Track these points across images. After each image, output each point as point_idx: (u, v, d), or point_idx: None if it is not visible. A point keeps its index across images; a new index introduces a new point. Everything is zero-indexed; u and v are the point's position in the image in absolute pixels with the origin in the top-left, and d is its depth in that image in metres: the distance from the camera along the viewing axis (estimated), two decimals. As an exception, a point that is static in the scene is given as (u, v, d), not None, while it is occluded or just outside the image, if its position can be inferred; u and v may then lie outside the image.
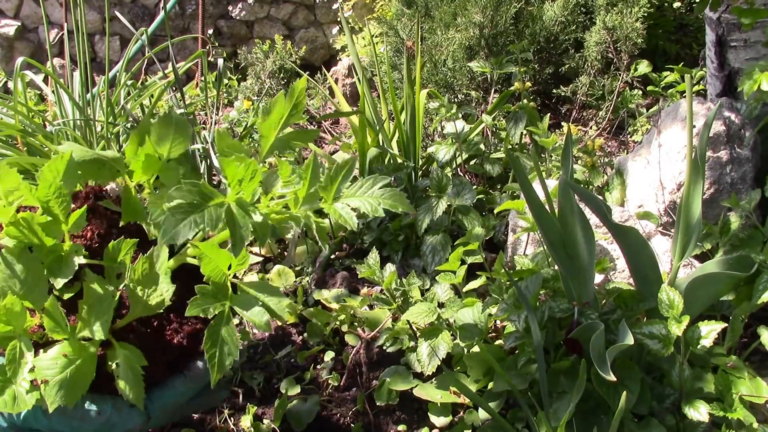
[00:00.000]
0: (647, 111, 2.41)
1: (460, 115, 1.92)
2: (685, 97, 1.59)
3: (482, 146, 1.97)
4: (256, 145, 2.65)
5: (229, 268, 0.71)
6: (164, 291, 0.69)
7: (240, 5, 4.38)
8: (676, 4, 3.04)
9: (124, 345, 0.68)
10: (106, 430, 0.66)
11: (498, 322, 1.34)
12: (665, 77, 2.29)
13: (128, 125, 2.06)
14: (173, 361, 0.75)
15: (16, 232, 0.65)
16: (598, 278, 1.35)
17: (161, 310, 0.70)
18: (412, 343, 1.29)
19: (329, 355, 1.41)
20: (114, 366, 0.66)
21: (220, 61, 2.59)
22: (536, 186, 1.24)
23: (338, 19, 4.31)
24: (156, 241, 0.79)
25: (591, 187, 1.75)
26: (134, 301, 0.68)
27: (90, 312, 0.64)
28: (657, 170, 1.55)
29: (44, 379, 0.60)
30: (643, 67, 2.26)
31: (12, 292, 0.63)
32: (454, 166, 1.93)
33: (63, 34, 3.39)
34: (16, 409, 0.59)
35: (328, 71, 3.45)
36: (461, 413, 1.20)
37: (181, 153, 0.81)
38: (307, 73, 3.17)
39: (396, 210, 0.82)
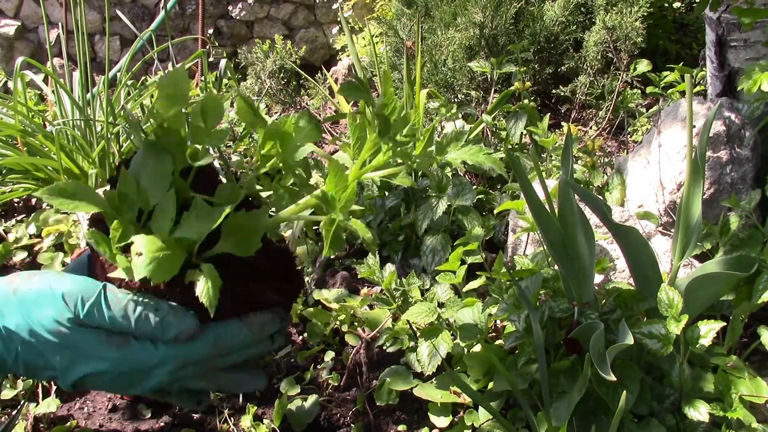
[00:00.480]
0: (647, 111, 2.41)
1: (460, 115, 1.92)
2: (685, 96, 1.59)
3: (482, 146, 1.97)
4: (256, 144, 2.65)
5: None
6: (255, 245, 0.72)
7: (240, 5, 4.39)
8: (676, 4, 3.04)
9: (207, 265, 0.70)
10: (161, 328, 0.66)
11: (498, 322, 1.34)
12: (665, 77, 2.29)
13: (128, 125, 2.06)
14: (234, 308, 0.75)
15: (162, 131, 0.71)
16: (598, 278, 1.36)
17: (252, 253, 0.72)
18: (412, 343, 1.29)
19: (329, 355, 1.41)
20: (196, 274, 0.68)
21: (223, 62, 2.59)
22: (536, 186, 1.24)
23: (338, 19, 4.31)
24: (260, 206, 0.81)
25: (591, 187, 1.75)
26: (228, 236, 0.70)
27: (195, 219, 0.68)
28: (657, 170, 1.55)
29: (139, 252, 0.63)
30: (643, 66, 2.26)
31: (137, 180, 0.67)
32: (454, 165, 1.93)
33: (63, 34, 3.39)
34: (133, 275, 0.62)
35: (328, 71, 3.45)
36: (461, 413, 1.20)
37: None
38: (307, 73, 3.17)
39: (485, 166, 0.93)
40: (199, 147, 0.74)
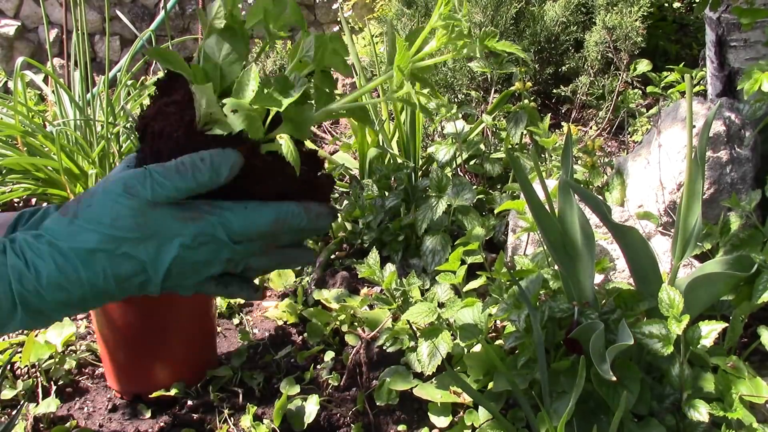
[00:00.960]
0: (647, 111, 2.41)
1: (460, 115, 1.92)
2: (685, 96, 1.59)
3: (482, 146, 1.97)
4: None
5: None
6: (307, 132, 0.77)
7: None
8: (676, 4, 3.04)
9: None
10: (214, 170, 0.69)
11: (498, 322, 1.34)
12: (665, 77, 2.29)
13: (128, 125, 2.06)
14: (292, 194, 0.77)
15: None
16: (598, 278, 1.36)
17: (305, 138, 0.77)
18: (412, 343, 1.29)
19: (329, 355, 1.41)
20: (274, 145, 0.72)
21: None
22: (536, 186, 1.24)
23: (338, 19, 4.31)
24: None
25: (591, 187, 1.75)
26: (287, 121, 0.74)
27: (273, 92, 0.72)
28: (657, 170, 1.55)
29: (233, 109, 0.68)
30: (643, 66, 2.26)
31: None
32: (454, 166, 1.93)
33: (63, 35, 3.39)
34: (231, 128, 0.68)
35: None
36: (461, 413, 1.20)
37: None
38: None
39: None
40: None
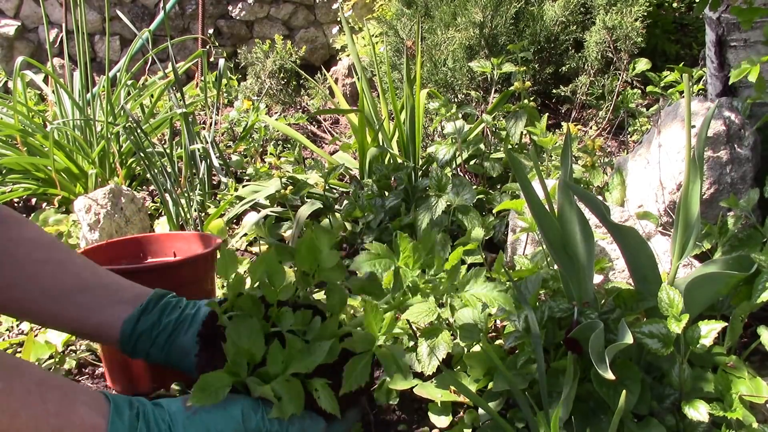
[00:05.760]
0: (647, 111, 2.41)
1: (460, 115, 1.92)
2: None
3: (482, 146, 1.97)
4: (256, 144, 2.65)
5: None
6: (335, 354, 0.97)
7: (240, 5, 4.39)
8: (676, 4, 3.04)
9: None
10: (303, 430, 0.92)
11: (498, 322, 1.34)
12: (665, 77, 2.29)
13: (128, 125, 2.06)
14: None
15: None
16: (598, 278, 1.36)
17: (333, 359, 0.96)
18: (412, 343, 1.29)
19: (329, 355, 1.41)
20: (312, 386, 0.93)
21: (221, 62, 2.59)
22: (536, 186, 1.24)
23: (338, 19, 4.31)
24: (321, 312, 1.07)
25: (591, 187, 1.75)
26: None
27: (301, 355, 0.94)
28: (657, 170, 1.55)
29: (278, 396, 0.89)
30: (642, 65, 2.26)
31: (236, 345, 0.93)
32: (454, 165, 1.94)
33: (63, 34, 3.39)
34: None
35: (328, 71, 3.45)
36: (461, 413, 1.20)
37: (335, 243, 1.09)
38: (307, 72, 3.17)
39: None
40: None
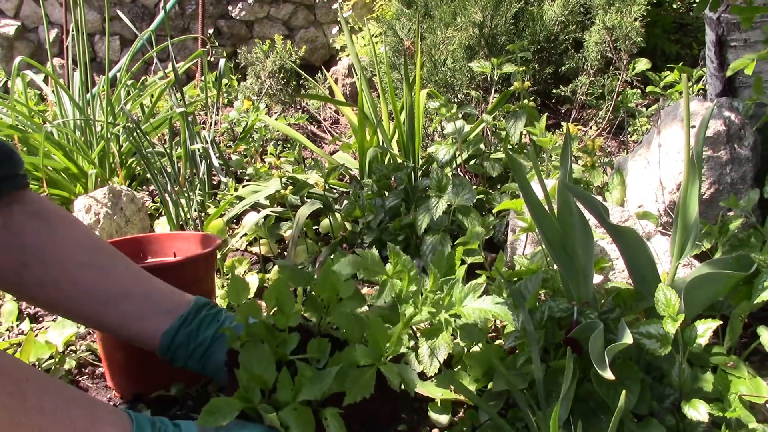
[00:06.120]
0: (647, 111, 2.41)
1: (460, 115, 1.92)
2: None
3: (482, 146, 1.97)
4: (256, 144, 2.65)
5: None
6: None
7: (240, 5, 4.39)
8: (676, 4, 3.04)
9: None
10: None
11: (498, 322, 1.34)
12: (665, 77, 2.29)
13: (128, 125, 2.06)
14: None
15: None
16: (598, 278, 1.36)
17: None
18: (412, 343, 1.29)
19: (329, 355, 1.41)
20: (323, 415, 0.94)
21: (222, 62, 2.59)
22: (535, 186, 1.24)
23: (338, 19, 4.31)
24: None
25: (591, 187, 1.75)
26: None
27: (311, 383, 0.95)
28: (657, 170, 1.55)
29: (287, 425, 0.91)
30: (642, 64, 2.26)
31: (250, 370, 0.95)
32: (454, 165, 1.94)
33: (63, 35, 3.39)
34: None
35: (328, 71, 3.45)
36: (461, 413, 1.20)
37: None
38: (307, 72, 3.17)
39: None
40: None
